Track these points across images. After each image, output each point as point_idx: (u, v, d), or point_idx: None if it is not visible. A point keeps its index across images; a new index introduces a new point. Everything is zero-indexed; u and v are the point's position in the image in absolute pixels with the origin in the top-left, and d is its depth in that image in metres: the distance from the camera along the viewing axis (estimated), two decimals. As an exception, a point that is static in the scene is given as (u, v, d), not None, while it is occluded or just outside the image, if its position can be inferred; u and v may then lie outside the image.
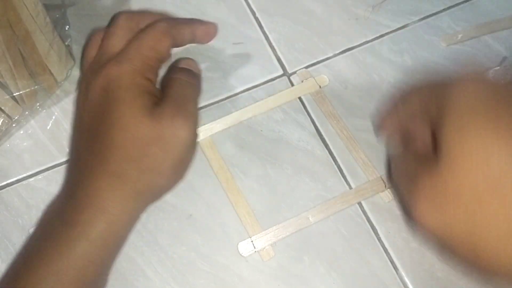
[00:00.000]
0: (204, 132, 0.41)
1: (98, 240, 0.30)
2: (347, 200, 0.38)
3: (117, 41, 0.34)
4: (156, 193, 0.33)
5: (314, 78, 0.43)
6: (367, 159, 0.40)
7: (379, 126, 0.36)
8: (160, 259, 0.37)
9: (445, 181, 0.24)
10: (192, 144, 0.32)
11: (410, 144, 0.31)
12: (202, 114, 0.42)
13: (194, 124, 0.32)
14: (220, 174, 0.39)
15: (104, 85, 0.31)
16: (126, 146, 0.30)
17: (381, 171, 0.40)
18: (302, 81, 0.43)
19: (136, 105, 0.30)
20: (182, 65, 0.36)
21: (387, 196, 0.39)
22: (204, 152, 0.40)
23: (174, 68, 0.36)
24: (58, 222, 0.32)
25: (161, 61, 0.33)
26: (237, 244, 0.37)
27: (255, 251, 0.37)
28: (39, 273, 0.29)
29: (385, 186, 0.39)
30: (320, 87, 0.43)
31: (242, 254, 0.37)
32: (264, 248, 0.37)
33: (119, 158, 0.30)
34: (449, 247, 0.25)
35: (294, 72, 0.44)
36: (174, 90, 0.33)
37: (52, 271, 0.29)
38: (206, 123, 0.41)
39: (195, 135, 0.32)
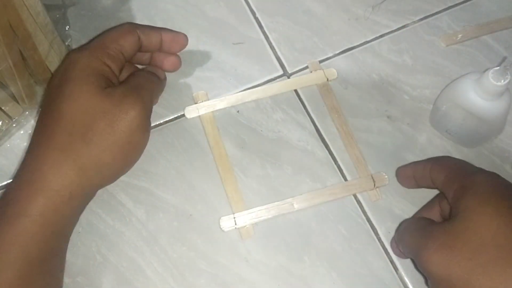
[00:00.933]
0: (207, 107, 0.42)
1: (38, 217, 0.30)
2: (334, 193, 0.39)
3: None
4: (103, 172, 0.33)
5: (323, 70, 0.44)
6: (361, 157, 0.40)
7: (401, 174, 0.39)
8: (160, 259, 0.37)
9: (457, 234, 0.28)
10: (141, 127, 0.33)
11: (426, 209, 0.36)
12: (202, 114, 0.42)
13: (144, 109, 0.33)
14: (215, 149, 0.40)
15: (64, 67, 0.33)
16: (72, 118, 0.31)
17: (373, 170, 0.40)
18: (311, 72, 0.44)
19: (88, 82, 0.32)
20: (149, 68, 0.39)
21: (374, 195, 0.39)
22: (204, 127, 0.41)
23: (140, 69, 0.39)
24: (1, 202, 0.31)
25: (122, 53, 0.35)
26: (219, 218, 0.38)
27: (236, 228, 0.37)
28: None
29: (374, 185, 0.39)
30: (328, 79, 0.43)
31: (223, 229, 0.37)
32: (245, 226, 0.37)
33: (64, 131, 0.31)
34: None
35: (294, 72, 0.44)
36: (131, 79, 0.35)
37: None
38: (210, 99, 0.43)
39: (145, 120, 0.33)
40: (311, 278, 0.36)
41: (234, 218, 0.38)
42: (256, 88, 0.43)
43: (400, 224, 0.37)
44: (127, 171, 0.35)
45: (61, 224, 0.32)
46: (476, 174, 0.31)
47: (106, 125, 0.31)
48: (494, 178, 0.31)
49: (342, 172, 0.40)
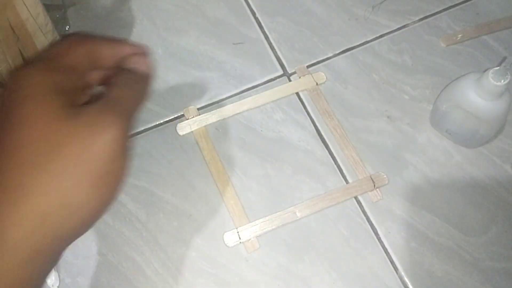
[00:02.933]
0: (199, 122, 0.41)
1: None
2: (335, 198, 0.39)
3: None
4: (74, 217, 0.24)
5: (311, 74, 0.43)
6: (359, 158, 0.40)
7: None
8: (160, 258, 0.37)
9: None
10: (121, 152, 0.25)
11: None
12: (203, 113, 0.42)
13: (125, 128, 0.25)
14: (211, 164, 0.40)
15: (9, 89, 0.26)
16: (29, 149, 0.24)
17: (373, 170, 0.40)
18: (299, 77, 0.43)
19: (45, 101, 0.25)
20: (129, 63, 0.30)
21: (375, 196, 0.39)
22: (197, 143, 0.40)
23: (119, 69, 0.30)
24: None
25: (76, 67, 0.28)
26: (223, 234, 0.37)
27: (240, 242, 0.37)
28: None
29: (374, 186, 0.39)
30: (317, 83, 0.43)
31: (227, 245, 0.37)
32: (249, 239, 0.37)
33: (18, 163, 0.23)
34: None
35: (294, 72, 0.44)
36: (107, 90, 0.27)
37: None
38: (202, 114, 0.42)
39: (126, 142, 0.25)
40: (311, 278, 0.36)
41: (238, 232, 0.37)
42: (245, 100, 0.42)
43: None
44: (106, 211, 0.26)
45: None
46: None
47: (74, 154, 0.23)
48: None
49: (342, 171, 0.40)
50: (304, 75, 0.43)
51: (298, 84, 0.43)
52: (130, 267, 0.36)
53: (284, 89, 0.43)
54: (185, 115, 0.41)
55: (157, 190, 0.39)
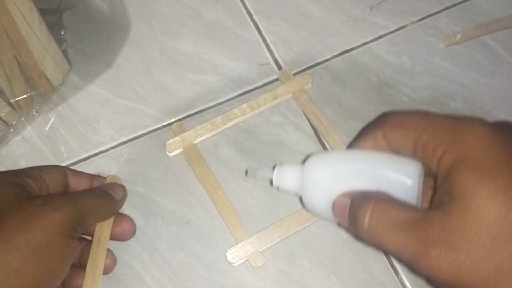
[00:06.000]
0: (188, 139, 0.40)
1: None
2: None
3: None
4: (11, 282, 0.24)
5: (296, 78, 0.42)
6: None
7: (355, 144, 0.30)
8: (159, 265, 0.36)
9: (462, 231, 0.22)
10: (66, 236, 0.27)
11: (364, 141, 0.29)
12: (200, 118, 0.42)
13: (75, 217, 0.27)
14: (205, 183, 0.38)
15: None
16: None
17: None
18: (282, 83, 0.42)
19: (7, 190, 0.27)
20: (105, 186, 0.34)
21: None
22: (188, 161, 0.39)
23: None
24: None
25: (44, 179, 0.30)
26: (225, 252, 0.36)
27: (245, 260, 0.36)
28: None
29: None
30: (303, 88, 0.42)
31: (232, 264, 0.36)
32: (252, 254, 0.36)
33: None
34: None
35: (294, 74, 0.44)
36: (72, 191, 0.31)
37: None
38: (189, 129, 0.40)
39: (72, 230, 0.27)
40: (311, 283, 0.36)
41: (239, 249, 0.36)
42: (233, 110, 0.41)
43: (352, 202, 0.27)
44: (47, 285, 0.27)
45: None
46: (468, 130, 0.24)
47: (18, 222, 0.25)
48: (497, 132, 0.23)
49: (342, 175, 0.40)
50: (287, 81, 0.42)
51: (281, 91, 0.42)
52: (128, 273, 0.36)
53: (267, 98, 0.41)
54: (172, 132, 0.40)
55: (155, 196, 0.38)
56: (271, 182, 0.33)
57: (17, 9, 0.34)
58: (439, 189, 0.24)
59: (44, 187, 0.30)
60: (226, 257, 0.36)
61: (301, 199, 0.29)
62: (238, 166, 0.40)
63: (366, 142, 0.29)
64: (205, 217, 0.38)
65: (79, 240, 0.31)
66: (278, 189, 0.32)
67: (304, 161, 0.30)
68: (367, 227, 0.25)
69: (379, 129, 0.28)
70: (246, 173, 0.32)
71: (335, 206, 0.28)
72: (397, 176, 0.26)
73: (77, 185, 0.33)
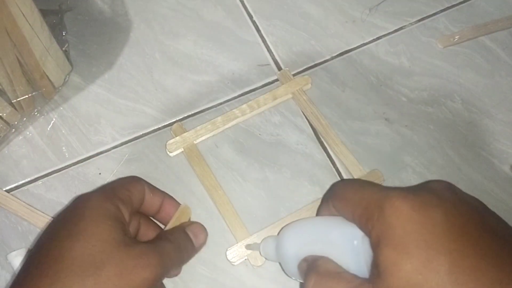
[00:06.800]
0: (189, 138, 0.40)
1: None
2: None
3: None
4: None
5: (295, 79, 0.43)
6: (355, 161, 0.40)
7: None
8: (160, 264, 0.37)
9: None
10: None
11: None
12: (201, 118, 0.42)
13: (159, 276, 0.29)
14: (205, 182, 0.39)
15: (73, 205, 0.30)
16: (82, 259, 0.27)
17: (367, 168, 0.40)
18: (282, 84, 0.43)
19: (104, 222, 0.29)
20: (190, 229, 0.34)
21: None
22: (189, 161, 0.40)
23: (180, 227, 0.34)
24: None
25: (131, 200, 0.32)
26: (226, 251, 0.37)
27: (245, 259, 0.36)
28: None
29: None
30: (302, 88, 0.43)
31: (232, 262, 0.36)
32: (252, 253, 0.36)
33: (71, 272, 0.26)
34: None
35: (294, 75, 0.44)
36: (158, 241, 0.31)
37: None
38: (190, 130, 0.41)
39: (154, 284, 0.29)
40: (310, 281, 0.36)
41: (239, 248, 0.36)
42: (233, 111, 0.41)
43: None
44: None
45: None
46: (390, 206, 0.25)
47: (114, 275, 0.27)
48: (417, 207, 0.25)
49: (341, 175, 0.40)
50: (287, 81, 0.43)
51: (280, 92, 0.42)
52: (129, 272, 0.36)
53: (266, 99, 0.42)
54: (173, 133, 0.40)
55: (156, 195, 0.39)
56: None
57: (19, 10, 0.34)
58: (373, 260, 0.26)
59: (130, 210, 0.31)
60: (226, 256, 0.36)
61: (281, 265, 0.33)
62: (238, 166, 0.40)
63: (324, 210, 0.32)
64: (205, 217, 0.38)
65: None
66: (265, 259, 0.36)
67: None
68: None
69: (329, 200, 0.31)
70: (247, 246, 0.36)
71: (299, 270, 0.31)
72: (345, 239, 0.28)
73: (151, 202, 0.34)
